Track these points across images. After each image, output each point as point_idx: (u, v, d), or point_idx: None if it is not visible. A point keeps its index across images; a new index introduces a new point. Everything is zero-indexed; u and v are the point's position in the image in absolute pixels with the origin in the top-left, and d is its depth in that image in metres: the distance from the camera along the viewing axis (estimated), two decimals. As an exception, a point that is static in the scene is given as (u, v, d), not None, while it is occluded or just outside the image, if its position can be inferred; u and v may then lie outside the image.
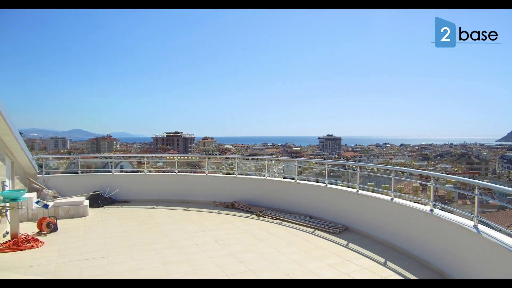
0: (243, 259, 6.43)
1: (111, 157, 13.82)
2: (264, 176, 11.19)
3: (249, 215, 9.86)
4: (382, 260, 6.45)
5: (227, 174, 13.21)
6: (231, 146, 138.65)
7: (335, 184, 9.69)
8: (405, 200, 7.50)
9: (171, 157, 14.84)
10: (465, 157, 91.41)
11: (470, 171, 72.92)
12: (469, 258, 5.35)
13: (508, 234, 4.90)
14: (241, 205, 10.58)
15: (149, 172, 12.68)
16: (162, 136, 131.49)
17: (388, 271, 5.99)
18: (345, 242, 7.46)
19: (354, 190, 8.51)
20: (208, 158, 13.46)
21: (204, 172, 12.22)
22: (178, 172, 12.26)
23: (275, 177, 11.67)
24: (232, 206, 10.70)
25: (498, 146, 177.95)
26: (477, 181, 5.67)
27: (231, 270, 5.89)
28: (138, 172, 13.45)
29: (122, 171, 15.73)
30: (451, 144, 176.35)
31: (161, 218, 9.57)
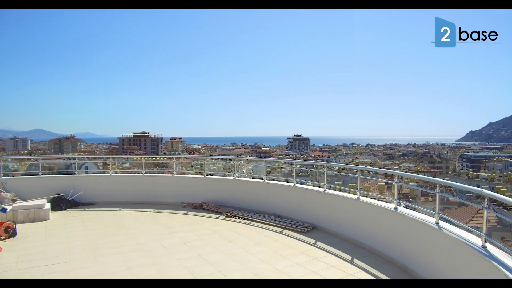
0: (211, 261, 6.38)
1: (74, 158, 13.39)
2: (233, 176, 11.15)
3: (217, 215, 9.79)
4: (349, 257, 6.58)
5: (195, 174, 13.06)
6: (200, 147, 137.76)
7: (303, 184, 9.80)
8: (371, 198, 7.69)
9: (138, 158, 14.53)
10: (427, 156, 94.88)
11: (432, 170, 75.71)
12: (431, 253, 5.55)
13: (467, 230, 5.11)
14: (209, 206, 10.50)
15: (115, 173, 12.36)
16: (128, 136, 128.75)
17: (354, 268, 6.12)
18: (313, 241, 7.55)
19: (322, 189, 8.63)
20: (176, 158, 13.27)
21: (172, 173, 12.03)
22: (145, 173, 12.02)
23: (244, 177, 11.67)
24: (200, 207, 10.60)
25: (458, 145, 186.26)
26: (438, 179, 5.88)
27: (200, 272, 5.83)
28: (104, 173, 13.06)
29: (86, 173, 15.26)
30: (414, 144, 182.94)
31: (127, 221, 9.34)
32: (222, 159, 31.04)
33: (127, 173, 13.00)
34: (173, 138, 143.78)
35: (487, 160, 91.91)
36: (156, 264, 6.17)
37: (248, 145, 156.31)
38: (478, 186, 48.65)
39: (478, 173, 69.08)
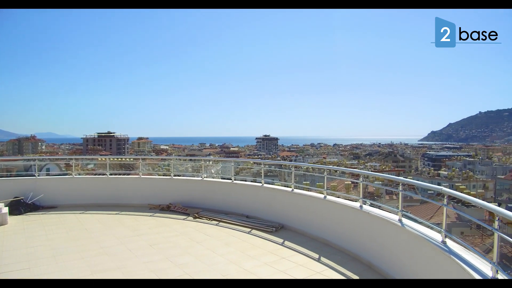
0: (179, 263, 6.29)
1: (34, 160, 12.82)
2: (201, 177, 11.04)
3: (185, 217, 9.67)
4: (316, 256, 6.67)
5: (163, 175, 12.83)
6: (167, 147, 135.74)
7: (272, 184, 9.85)
8: (337, 197, 7.84)
9: (103, 159, 14.11)
10: (392, 156, 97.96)
11: (396, 169, 78.16)
12: (394, 249, 5.72)
13: (428, 226, 5.30)
14: (177, 207, 10.35)
15: (79, 175, 11.95)
16: (93, 136, 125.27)
17: (322, 266, 6.21)
18: (281, 240, 7.59)
19: (290, 189, 8.71)
20: (143, 159, 12.99)
21: (138, 174, 11.76)
22: (110, 175, 11.69)
23: (213, 177, 11.59)
24: (168, 208, 10.43)
25: (420, 145, 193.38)
26: (401, 178, 6.07)
27: (167, 275, 5.74)
28: (66, 175, 12.60)
29: (48, 175, 14.69)
30: (379, 143, 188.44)
31: (91, 224, 9.04)
32: (190, 160, 30.71)
33: (92, 175, 12.58)
34: (140, 139, 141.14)
35: (447, 159, 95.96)
36: (122, 268, 6.01)
37: (216, 145, 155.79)
38: (439, 184, 50.57)
39: (439, 172, 71.97)
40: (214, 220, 9.27)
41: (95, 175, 12.55)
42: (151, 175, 13.55)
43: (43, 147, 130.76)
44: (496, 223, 3.57)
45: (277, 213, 8.91)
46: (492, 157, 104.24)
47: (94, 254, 6.78)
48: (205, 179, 10.86)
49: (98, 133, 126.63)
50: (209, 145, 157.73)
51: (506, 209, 3.86)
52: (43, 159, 21.35)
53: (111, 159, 12.97)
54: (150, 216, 9.85)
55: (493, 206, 3.82)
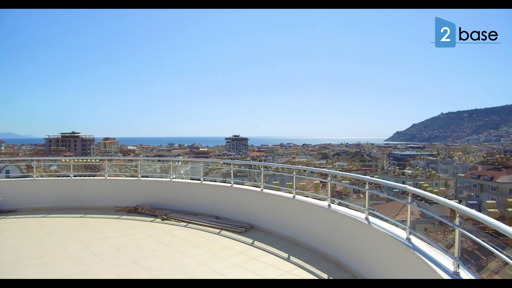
0: (146, 266, 6.14)
1: (-8, 162, 12.19)
2: (169, 178, 10.84)
3: (153, 219, 9.47)
4: (286, 255, 6.70)
5: (130, 177, 12.52)
6: (135, 147, 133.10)
7: (241, 184, 9.82)
8: (306, 197, 7.91)
9: (67, 160, 13.62)
10: (359, 155, 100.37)
11: (363, 168, 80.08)
12: (362, 247, 5.82)
13: (393, 224, 5.43)
14: (144, 209, 10.12)
15: (41, 177, 11.47)
16: (56, 137, 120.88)
17: (291, 265, 6.24)
18: (250, 241, 7.57)
19: (259, 189, 8.70)
20: (109, 160, 12.61)
21: (104, 176, 11.41)
22: (74, 176, 11.28)
23: (182, 178, 11.42)
24: (135, 210, 10.18)
25: (386, 145, 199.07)
26: (367, 177, 6.19)
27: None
28: (27, 177, 12.04)
29: (7, 177, 14.01)
30: (347, 143, 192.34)
31: (53, 228, 8.68)
32: (159, 160, 30.14)
33: (55, 177, 12.12)
34: (106, 139, 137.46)
35: (411, 158, 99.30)
36: (86, 273, 5.80)
37: (185, 145, 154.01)
38: (403, 182, 52.30)
39: (404, 171, 74.22)
40: (183, 221, 9.14)
41: (58, 177, 12.09)
42: (118, 176, 13.21)
43: (2, 147, 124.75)
44: (457, 219, 3.69)
45: (247, 213, 8.89)
46: (453, 156, 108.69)
47: (56, 259, 6.51)
48: (173, 180, 10.68)
49: (62, 134, 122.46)
50: (178, 146, 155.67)
51: (466, 206, 4.01)
52: (1, 160, 20.33)
53: (76, 160, 12.55)
54: (117, 218, 9.58)
55: (454, 203, 3.96)
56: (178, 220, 9.24)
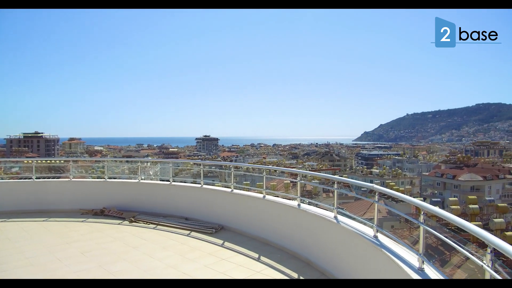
0: (113, 270, 5.97)
1: None
2: (138, 179, 10.61)
3: (121, 221, 9.24)
4: (256, 255, 6.70)
5: (97, 178, 12.17)
6: (102, 148, 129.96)
7: (212, 185, 9.74)
8: (276, 197, 7.94)
9: (29, 161, 13.07)
10: (328, 155, 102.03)
11: (333, 168, 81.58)
12: (331, 245, 5.91)
13: (361, 222, 5.54)
14: (111, 212, 9.85)
15: (1, 179, 10.96)
16: (18, 137, 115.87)
17: (261, 265, 6.25)
18: (221, 242, 7.52)
19: (229, 190, 8.66)
20: (74, 161, 12.22)
21: (69, 177, 11.02)
22: (37, 178, 10.83)
23: (151, 179, 11.21)
24: (101, 213, 9.89)
25: (354, 145, 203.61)
26: (336, 176, 6.30)
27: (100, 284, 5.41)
28: (-15, 180, 11.49)
29: (-37, 180, 13.28)
30: (317, 143, 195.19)
31: (14, 233, 8.28)
32: (127, 161, 29.50)
33: (16, 179, 11.59)
34: (71, 139, 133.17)
35: (378, 158, 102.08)
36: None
37: (155, 146, 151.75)
38: (371, 181, 53.51)
39: (371, 170, 76.03)
40: (152, 223, 8.96)
41: (20, 179, 11.58)
42: (84, 178, 12.82)
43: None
44: (422, 217, 3.81)
45: (217, 214, 8.83)
46: (418, 155, 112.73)
47: (16, 266, 6.21)
48: (142, 181, 10.46)
49: (24, 134, 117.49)
50: (147, 146, 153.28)
51: (430, 203, 4.15)
52: (-42, 162, 19.30)
53: (38, 161, 12.06)
54: (82, 222, 9.27)
55: (418, 201, 4.09)
56: (147, 222, 9.06)
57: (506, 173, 66.47)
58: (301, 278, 5.78)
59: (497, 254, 2.67)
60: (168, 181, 10.11)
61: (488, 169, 65.53)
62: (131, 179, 11.11)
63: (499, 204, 28.75)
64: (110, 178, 10.88)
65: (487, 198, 43.65)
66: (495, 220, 21.80)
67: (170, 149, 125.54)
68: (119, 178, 11.39)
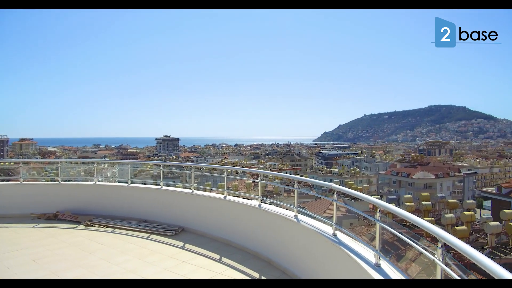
0: (68, 277, 5.71)
1: None
2: (94, 181, 10.21)
3: (76, 225, 8.85)
4: (217, 256, 6.65)
5: (50, 181, 11.60)
6: (56, 149, 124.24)
7: (173, 186, 9.56)
8: (238, 197, 7.92)
9: (-26, 164, 12.25)
10: (289, 155, 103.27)
11: (294, 167, 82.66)
12: (292, 244, 5.98)
13: (321, 221, 5.63)
14: (65, 216, 9.42)
15: None
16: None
17: (223, 266, 6.21)
18: (181, 244, 7.40)
19: (190, 191, 8.54)
20: (25, 163, 11.56)
21: (19, 180, 10.42)
22: (-17, 182, 10.17)
23: (109, 181, 10.83)
24: (55, 217, 9.43)
25: (315, 145, 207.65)
26: (296, 176, 6.38)
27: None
28: None
29: None
30: (278, 143, 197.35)
31: (-43, 240, 7.74)
32: (83, 163, 28.35)
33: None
34: (23, 140, 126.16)
35: (338, 158, 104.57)
36: (-4, 289, 5.24)
37: (113, 146, 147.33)
38: (331, 180, 54.73)
39: (331, 169, 77.75)
40: (109, 227, 8.66)
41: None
42: (37, 180, 12.19)
43: None
44: (378, 214, 3.94)
45: (178, 215, 8.68)
46: (375, 155, 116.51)
47: (-40, 275, 5.81)
48: (98, 183, 10.08)
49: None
50: (105, 147, 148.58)
51: (386, 201, 4.30)
52: None
53: (-15, 164, 11.30)
54: (34, 227, 8.80)
55: (374, 199, 4.24)
56: (104, 225, 8.74)
57: (456, 171, 70.43)
58: (262, 278, 5.80)
59: (448, 248, 2.79)
60: (127, 182, 9.82)
61: (440, 168, 69.16)
62: (87, 181, 10.68)
63: (449, 200, 30.23)
64: (64, 180, 10.41)
65: (438, 195, 45.99)
66: (446, 215, 22.85)
67: (129, 150, 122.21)
68: (75, 180, 10.94)
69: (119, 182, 10.69)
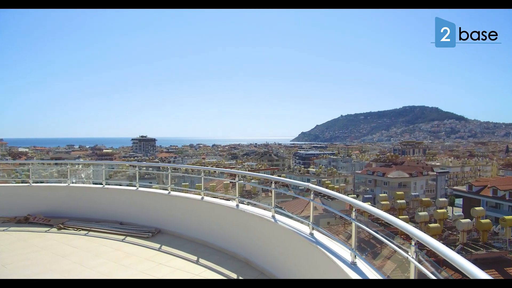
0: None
1: None
2: (67, 182, 9.94)
3: (48, 229, 8.58)
4: (195, 258, 6.59)
5: (21, 182, 11.22)
6: (27, 149, 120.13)
7: (149, 187, 9.42)
8: (215, 198, 7.87)
9: None
10: (267, 155, 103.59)
11: (271, 167, 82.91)
12: (269, 244, 5.99)
13: (298, 220, 5.67)
14: (37, 219, 9.13)
15: None
16: None
17: (200, 268, 6.16)
18: (158, 246, 7.29)
19: (166, 192, 8.44)
20: (-6, 165, 11.17)
21: (-13, 183, 10.04)
22: None
23: (83, 182, 10.57)
24: (25, 220, 9.12)
25: (292, 145, 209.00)
26: (273, 176, 6.40)
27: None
28: None
29: None
30: (256, 144, 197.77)
31: None
32: (56, 164, 27.52)
33: None
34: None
35: (315, 157, 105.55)
36: (-38, 296, 5.02)
37: (87, 147, 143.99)
38: (308, 180, 55.21)
39: (308, 169, 78.39)
40: (83, 229, 8.45)
41: None
42: (6, 182, 11.77)
43: None
44: (353, 213, 3.99)
45: (154, 217, 8.55)
46: (351, 155, 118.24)
47: None
48: (72, 184, 9.83)
49: None
50: (79, 147, 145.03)
51: (362, 200, 4.36)
52: None
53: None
54: (3, 231, 8.48)
55: (350, 198, 4.29)
56: (78, 228, 8.52)
57: (429, 170, 72.27)
58: (240, 278, 5.78)
59: (422, 246, 2.86)
60: (102, 184, 9.61)
61: (414, 167, 70.81)
62: (60, 182, 10.39)
63: (423, 199, 30.94)
64: (35, 182, 10.10)
65: (412, 193, 46.99)
66: (420, 213, 23.40)
67: (104, 150, 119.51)
68: (47, 182, 10.62)
69: (93, 183, 10.46)
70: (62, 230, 8.47)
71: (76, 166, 17.52)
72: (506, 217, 22.65)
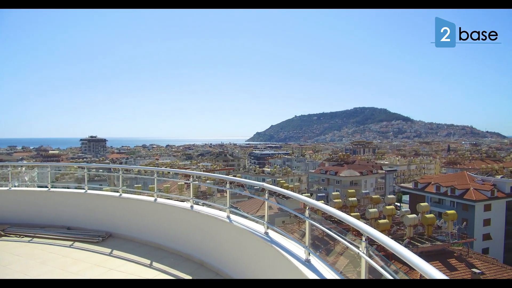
0: (-24, 294, 5.13)
1: None
2: (8, 186, 9.31)
3: (-13, 236, 8.01)
4: (148, 262, 6.42)
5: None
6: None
7: (99, 189, 9.04)
8: (169, 199, 7.70)
9: None
10: (222, 155, 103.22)
11: (227, 168, 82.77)
12: (225, 245, 5.97)
13: (253, 220, 5.70)
14: (-25, 226, 8.49)
15: None
16: None
17: (154, 271, 6.02)
18: (108, 250, 7.02)
19: (118, 194, 8.14)
20: None
21: None
22: None
23: (27, 186, 9.96)
24: (-39, 228, 8.45)
25: (247, 145, 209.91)
26: (228, 177, 6.38)
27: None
28: None
29: None
30: (211, 144, 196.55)
31: None
32: (-4, 167, 25.73)
33: None
34: None
35: (270, 157, 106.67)
36: None
37: (31, 148, 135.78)
38: (263, 180, 55.68)
39: (264, 169, 78.98)
40: (27, 236, 7.95)
41: None
42: None
43: None
44: (307, 212, 4.06)
45: (104, 221, 8.23)
46: (305, 154, 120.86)
47: None
48: (13, 188, 9.23)
49: None
50: (22, 148, 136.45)
51: (316, 198, 4.46)
52: None
53: None
54: None
55: (303, 197, 4.39)
56: (21, 235, 8.00)
57: (378, 168, 75.39)
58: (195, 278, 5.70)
59: (372, 241, 2.96)
60: (47, 187, 9.10)
61: (364, 166, 73.59)
62: (1, 186, 9.72)
63: (373, 196, 32.18)
64: (-28, 186, 9.37)
65: (363, 191, 48.73)
66: (370, 210, 24.35)
67: (50, 152, 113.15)
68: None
69: (38, 186, 9.89)
70: (3, 238, 7.91)
71: (19, 168, 16.45)
72: (448, 211, 24.17)
